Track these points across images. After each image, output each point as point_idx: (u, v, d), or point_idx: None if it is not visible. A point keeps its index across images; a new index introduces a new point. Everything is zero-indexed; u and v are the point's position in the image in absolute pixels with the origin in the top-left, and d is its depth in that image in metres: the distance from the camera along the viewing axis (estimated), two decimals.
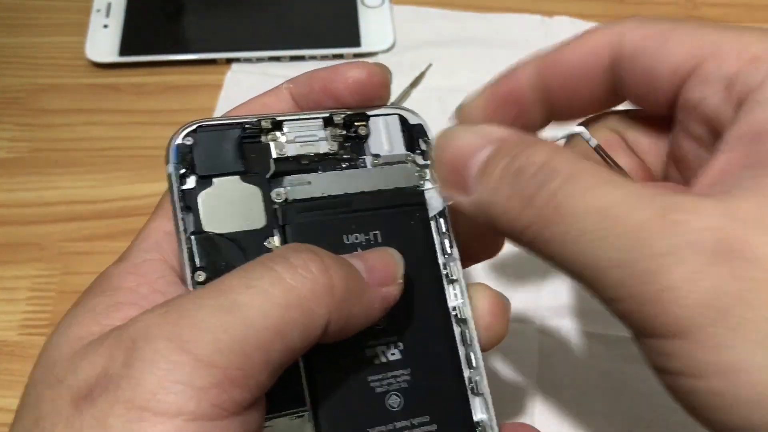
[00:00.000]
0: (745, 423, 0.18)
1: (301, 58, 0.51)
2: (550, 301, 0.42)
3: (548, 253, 0.21)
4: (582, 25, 0.53)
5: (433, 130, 0.29)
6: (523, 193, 0.21)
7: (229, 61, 0.51)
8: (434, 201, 0.26)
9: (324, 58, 0.51)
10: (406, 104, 0.49)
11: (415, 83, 0.50)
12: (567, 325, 0.41)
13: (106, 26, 0.52)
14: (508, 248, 0.43)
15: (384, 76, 0.26)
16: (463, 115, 0.27)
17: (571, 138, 0.25)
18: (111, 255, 0.26)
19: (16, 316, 0.41)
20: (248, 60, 0.51)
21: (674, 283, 0.18)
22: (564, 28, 0.53)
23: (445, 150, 0.24)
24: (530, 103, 0.26)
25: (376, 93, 0.26)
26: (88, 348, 0.20)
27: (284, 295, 0.19)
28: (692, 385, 0.19)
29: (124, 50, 0.51)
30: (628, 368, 0.40)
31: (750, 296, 0.17)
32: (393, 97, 0.49)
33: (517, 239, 0.21)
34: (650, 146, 0.27)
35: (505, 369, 0.40)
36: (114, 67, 0.51)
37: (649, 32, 0.24)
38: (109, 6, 0.53)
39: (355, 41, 0.52)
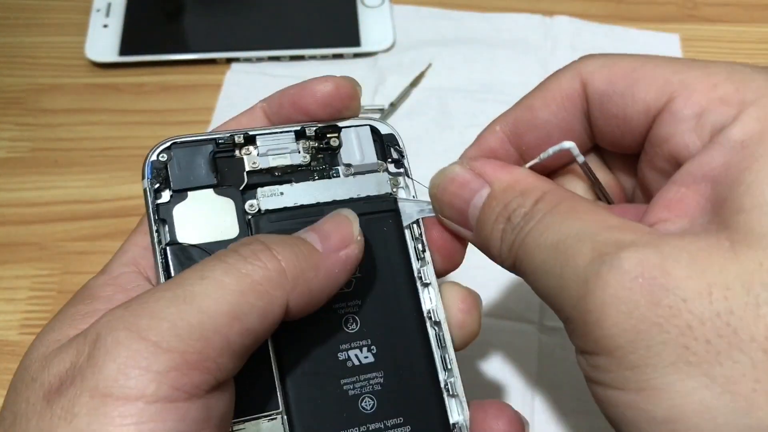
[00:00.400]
0: None
1: (301, 57, 0.51)
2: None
3: (528, 282, 0.24)
4: (582, 25, 0.53)
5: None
6: (509, 238, 0.24)
7: (229, 60, 0.51)
8: (408, 209, 0.27)
9: (324, 57, 0.51)
10: (405, 104, 0.49)
11: (414, 83, 0.50)
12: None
13: (106, 26, 0.52)
14: None
15: (352, 88, 0.27)
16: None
17: (559, 152, 0.26)
18: (111, 255, 0.26)
19: (16, 315, 0.41)
20: (248, 60, 0.51)
21: (597, 306, 0.20)
22: (564, 28, 0.53)
23: (445, 190, 0.26)
24: (512, 158, 0.27)
25: (344, 105, 0.27)
26: (60, 347, 0.21)
27: (237, 282, 0.20)
28: (616, 398, 0.20)
29: (124, 50, 0.51)
30: None
31: (665, 321, 0.19)
32: (393, 97, 0.49)
33: (510, 270, 0.25)
34: (622, 166, 0.27)
35: (505, 369, 0.40)
36: (114, 67, 0.51)
37: (615, 73, 0.24)
38: (109, 6, 0.53)
39: (355, 41, 0.52)
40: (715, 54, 0.53)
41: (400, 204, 0.27)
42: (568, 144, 0.25)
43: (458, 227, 0.26)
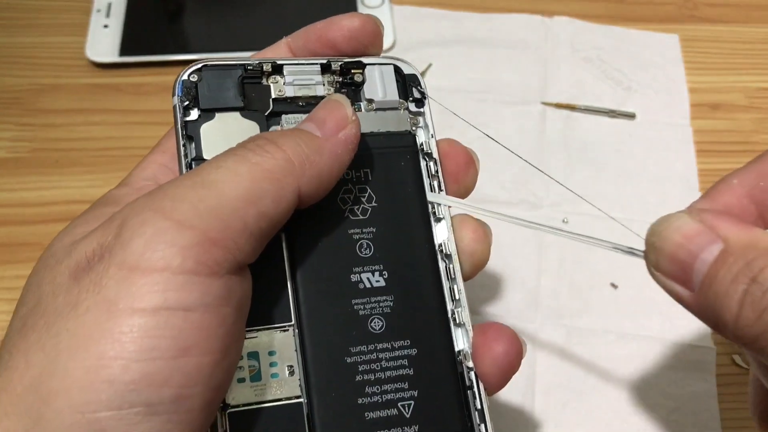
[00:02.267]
0: None
1: None
2: (550, 301, 0.42)
3: None
4: (582, 25, 0.54)
5: (434, 130, 0.29)
6: (758, 302, 0.20)
7: None
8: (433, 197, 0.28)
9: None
10: None
11: None
12: (566, 325, 0.41)
13: (106, 26, 0.52)
14: (509, 249, 0.44)
15: (376, 26, 0.28)
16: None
17: None
18: None
19: None
20: None
21: None
22: (564, 28, 0.54)
23: (667, 239, 0.24)
24: (750, 217, 0.25)
25: (369, 41, 0.28)
26: (86, 235, 0.22)
27: (249, 170, 0.22)
28: None
29: (124, 50, 0.51)
30: (628, 367, 0.40)
31: None
32: None
33: (745, 344, 0.21)
34: None
35: None
36: (114, 67, 0.51)
37: None
38: (109, 6, 0.53)
39: None
40: (715, 54, 0.53)
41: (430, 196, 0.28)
42: None
43: (673, 284, 0.24)
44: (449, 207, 0.28)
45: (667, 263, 0.24)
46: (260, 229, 0.22)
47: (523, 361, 0.39)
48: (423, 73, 0.51)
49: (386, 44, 0.52)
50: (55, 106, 0.49)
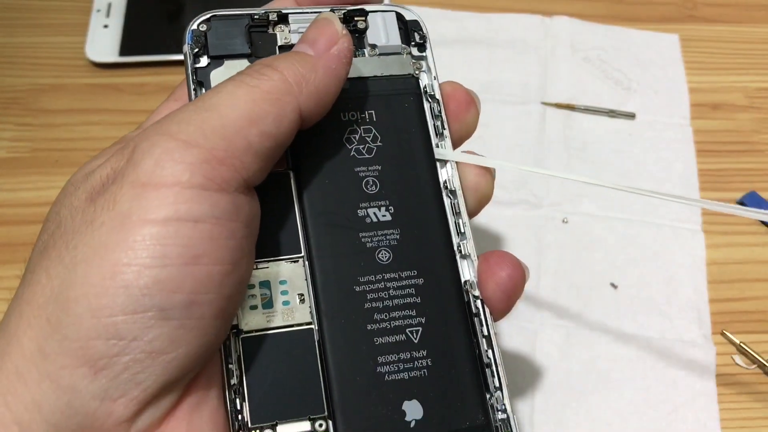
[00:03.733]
0: None
1: None
2: (550, 301, 0.42)
3: None
4: (581, 25, 0.54)
5: (436, 73, 0.30)
6: None
7: None
8: (444, 152, 0.28)
9: None
10: None
11: None
12: (566, 325, 0.41)
13: (106, 26, 0.52)
14: (510, 250, 0.44)
15: None
16: None
17: None
18: None
19: None
20: None
21: None
22: (564, 28, 0.54)
23: None
24: None
25: None
26: (101, 163, 0.23)
27: (248, 92, 0.23)
28: None
29: (124, 50, 0.51)
30: (628, 368, 0.40)
31: None
32: None
33: None
34: None
35: (504, 369, 0.40)
36: (114, 67, 0.51)
37: None
38: (109, 6, 0.53)
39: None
40: (715, 54, 0.53)
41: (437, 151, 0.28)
42: None
43: None
44: (454, 148, 0.28)
45: None
46: (265, 149, 0.23)
47: (523, 361, 0.40)
48: None
49: None
50: (55, 106, 0.49)
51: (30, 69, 0.51)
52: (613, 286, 0.43)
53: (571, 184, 0.46)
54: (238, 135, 0.22)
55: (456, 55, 0.52)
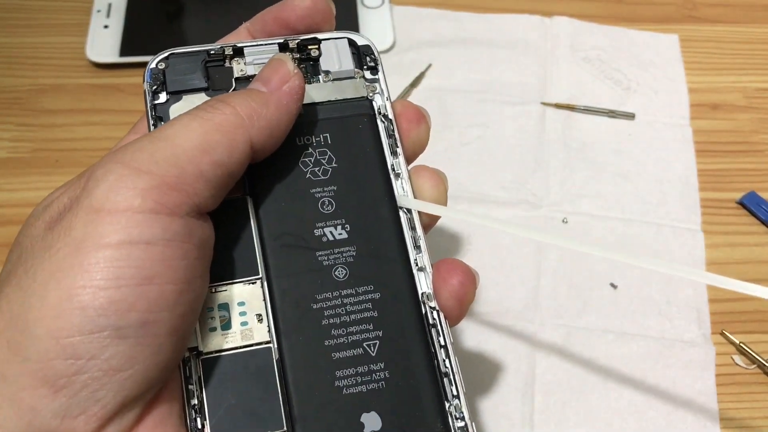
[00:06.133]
0: None
1: None
2: (549, 301, 0.42)
3: None
4: (581, 26, 0.54)
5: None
6: None
7: None
8: (405, 202, 0.29)
9: None
10: None
11: (415, 83, 0.50)
12: (566, 325, 0.41)
13: (106, 27, 0.52)
14: (509, 250, 0.44)
15: (326, 3, 0.30)
16: None
17: None
18: None
19: None
20: None
21: None
22: (563, 29, 0.54)
23: None
24: None
25: (321, 18, 0.30)
26: (59, 194, 0.24)
27: (201, 124, 0.24)
28: None
29: (124, 50, 0.51)
30: (628, 368, 0.40)
31: None
32: (393, 97, 0.49)
33: None
34: None
35: (504, 369, 0.40)
36: (114, 68, 0.51)
37: None
38: (109, 6, 0.53)
39: None
40: (715, 54, 0.53)
41: (399, 198, 0.29)
42: None
43: None
44: (408, 166, 0.29)
45: None
46: (216, 177, 0.24)
47: (522, 360, 0.40)
48: (423, 73, 0.51)
49: (386, 44, 0.52)
50: (55, 106, 0.49)
51: (30, 69, 0.51)
52: (613, 286, 0.43)
53: (572, 184, 0.47)
54: (190, 163, 0.23)
55: (456, 55, 0.52)
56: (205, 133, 0.24)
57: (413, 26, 0.54)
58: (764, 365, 0.39)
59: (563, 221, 0.45)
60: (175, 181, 0.22)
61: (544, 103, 0.50)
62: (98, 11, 0.53)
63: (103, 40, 0.51)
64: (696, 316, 0.42)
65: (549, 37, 0.53)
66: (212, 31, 0.53)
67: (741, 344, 0.40)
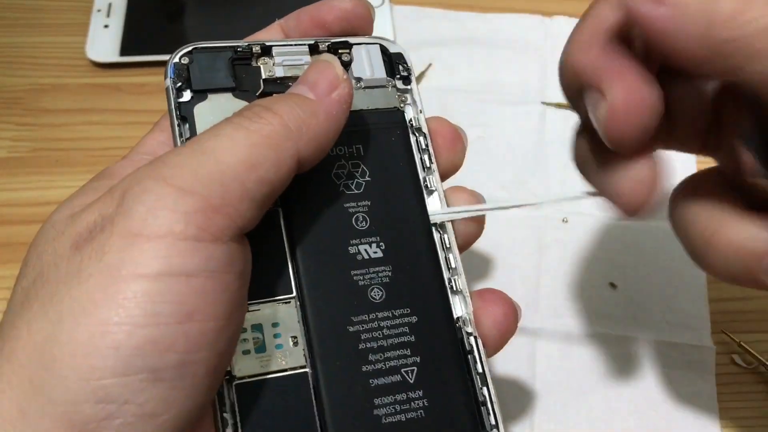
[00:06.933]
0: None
1: None
2: (549, 301, 0.42)
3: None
4: None
5: (422, 106, 0.30)
6: None
7: None
8: (437, 214, 0.28)
9: None
10: None
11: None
12: (566, 325, 0.41)
13: (106, 26, 0.52)
14: (509, 250, 0.44)
15: (367, 9, 0.28)
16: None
17: None
18: None
19: None
20: None
21: None
22: (564, 29, 0.53)
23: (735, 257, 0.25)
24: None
25: (359, 23, 0.28)
26: (87, 206, 0.22)
27: (247, 136, 0.22)
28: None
29: (124, 50, 0.51)
30: (628, 368, 0.40)
31: None
32: None
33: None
34: None
35: (504, 369, 0.40)
36: (115, 67, 0.51)
37: None
38: (109, 6, 0.53)
39: None
40: None
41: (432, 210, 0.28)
42: None
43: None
44: (441, 181, 0.28)
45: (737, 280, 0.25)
46: (261, 195, 0.22)
47: (522, 360, 0.40)
48: (423, 73, 0.51)
49: None
50: (55, 106, 0.49)
51: (30, 69, 0.51)
52: (613, 286, 0.43)
53: (572, 184, 0.46)
54: (235, 181, 0.21)
55: (456, 55, 0.52)
56: (252, 147, 0.21)
57: (413, 26, 0.54)
58: (764, 365, 0.39)
59: (563, 221, 0.45)
60: (219, 202, 0.20)
61: (544, 103, 0.50)
62: (98, 11, 0.53)
63: (103, 40, 0.51)
64: (696, 316, 0.41)
65: (549, 37, 0.53)
66: (213, 32, 0.53)
67: (741, 344, 0.40)
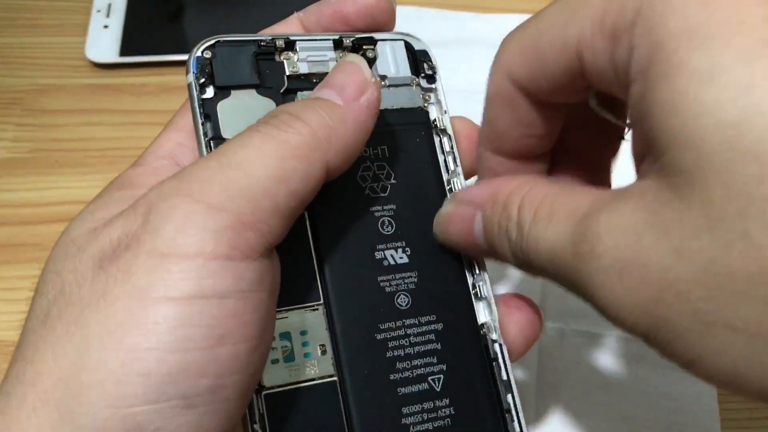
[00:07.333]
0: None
1: None
2: (550, 301, 0.42)
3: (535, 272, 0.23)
4: None
5: (447, 106, 0.29)
6: (512, 247, 0.23)
7: None
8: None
9: None
10: None
11: None
12: (567, 325, 0.41)
13: (106, 27, 0.52)
14: None
15: (390, 2, 0.28)
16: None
17: None
18: None
19: (16, 316, 0.41)
20: None
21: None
22: None
23: (446, 231, 0.26)
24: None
25: (382, 17, 0.28)
26: (109, 221, 0.21)
27: (276, 148, 0.21)
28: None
29: (124, 51, 0.51)
30: (628, 368, 0.40)
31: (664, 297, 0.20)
32: None
33: (520, 268, 0.24)
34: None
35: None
36: (114, 68, 0.51)
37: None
38: (109, 6, 0.53)
39: None
40: None
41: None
42: None
43: (474, 252, 0.27)
44: (464, 183, 0.28)
45: (461, 247, 0.26)
46: (291, 209, 0.21)
47: (522, 360, 0.40)
48: None
49: None
50: (55, 107, 0.49)
51: (30, 69, 0.51)
52: None
53: None
54: (265, 196, 0.20)
55: (456, 55, 0.52)
56: (282, 159, 0.20)
57: (413, 26, 0.54)
58: None
59: None
60: (250, 218, 0.20)
61: None
62: (98, 11, 0.53)
63: (103, 40, 0.51)
64: None
65: None
66: (213, 32, 0.53)
67: None
